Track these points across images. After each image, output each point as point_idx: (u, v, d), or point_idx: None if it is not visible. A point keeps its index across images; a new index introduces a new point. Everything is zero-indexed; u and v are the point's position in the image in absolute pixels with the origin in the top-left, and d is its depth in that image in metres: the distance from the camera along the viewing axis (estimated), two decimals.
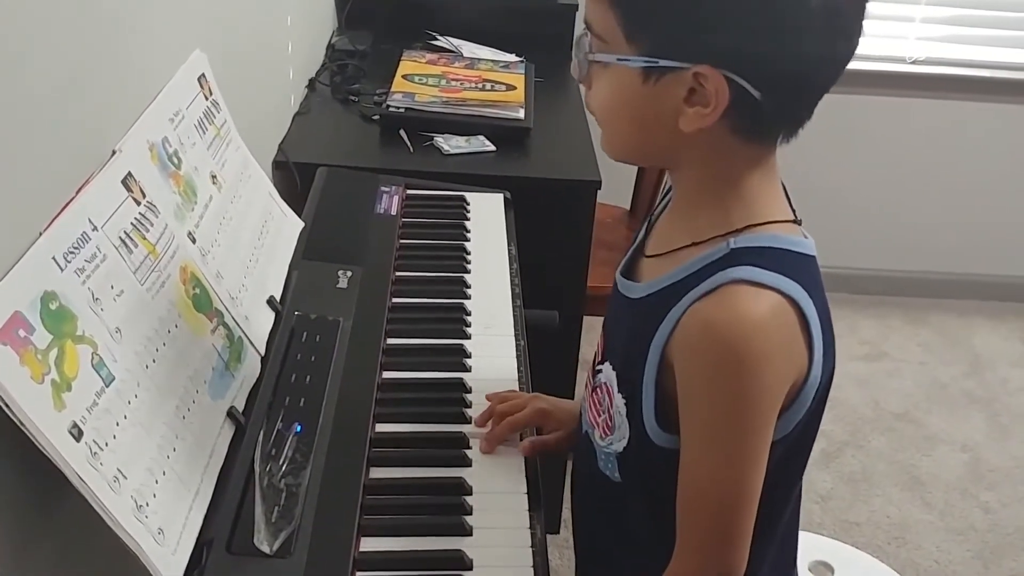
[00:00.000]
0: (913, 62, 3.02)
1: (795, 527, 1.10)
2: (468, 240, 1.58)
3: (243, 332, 1.17)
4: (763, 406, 0.87)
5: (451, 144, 1.93)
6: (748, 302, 0.85)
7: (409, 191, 1.68)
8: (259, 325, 1.23)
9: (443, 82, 2.12)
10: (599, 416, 1.02)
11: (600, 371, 1.02)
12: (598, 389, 1.03)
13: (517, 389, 1.25)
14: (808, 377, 0.90)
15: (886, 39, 3.02)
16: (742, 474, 0.89)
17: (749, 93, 0.83)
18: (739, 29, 0.82)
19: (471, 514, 1.05)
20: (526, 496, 1.08)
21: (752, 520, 0.91)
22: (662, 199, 1.04)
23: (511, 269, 1.52)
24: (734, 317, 0.85)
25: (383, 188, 1.66)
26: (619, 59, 0.88)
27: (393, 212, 1.61)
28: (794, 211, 0.95)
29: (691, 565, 0.95)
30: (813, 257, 0.93)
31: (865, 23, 0.87)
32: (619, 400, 0.98)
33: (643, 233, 1.04)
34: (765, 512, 0.93)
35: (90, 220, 0.94)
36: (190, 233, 1.14)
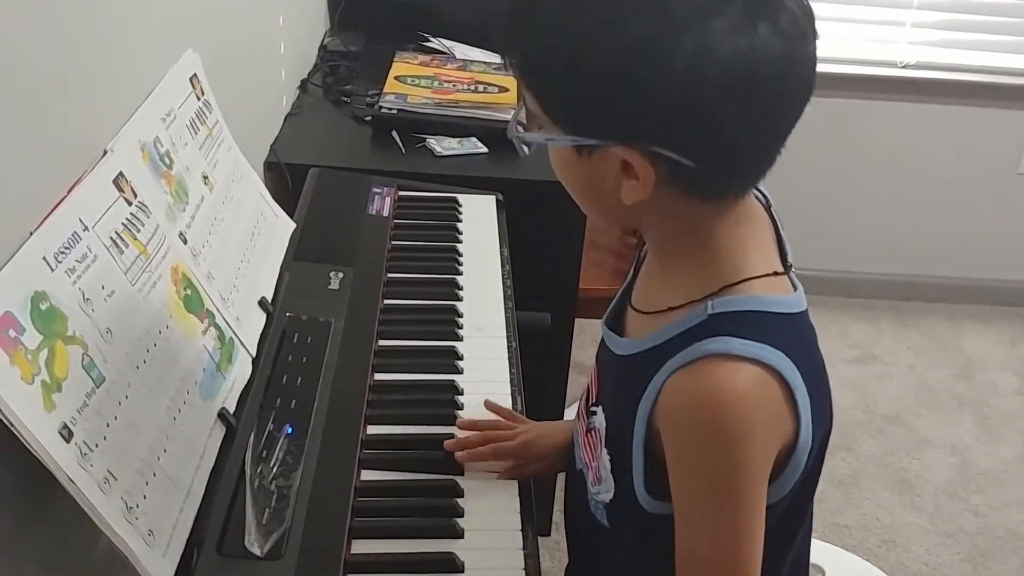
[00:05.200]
0: (904, 66, 3.03)
1: (803, 565, 1.07)
2: (460, 242, 1.58)
3: (234, 333, 1.17)
4: (751, 477, 0.85)
5: (443, 146, 1.93)
6: (727, 376, 0.82)
7: (401, 192, 1.68)
8: (250, 326, 1.23)
9: (435, 84, 2.12)
10: (592, 461, 0.99)
11: (595, 413, 0.99)
12: (592, 432, 1.00)
13: (509, 391, 1.25)
14: (797, 443, 0.87)
15: (877, 43, 3.02)
16: (737, 544, 0.87)
17: (681, 161, 0.79)
18: (648, 107, 0.78)
19: (462, 516, 1.04)
20: (517, 498, 1.08)
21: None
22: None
23: (503, 271, 1.52)
24: (714, 392, 0.82)
25: (375, 189, 1.66)
26: (547, 139, 0.86)
27: (385, 213, 1.61)
28: (784, 254, 0.92)
29: None
30: (800, 313, 0.89)
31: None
32: (605, 457, 0.96)
33: (631, 277, 1.01)
34: (769, 562, 0.91)
35: (81, 220, 0.94)
36: (181, 233, 1.14)
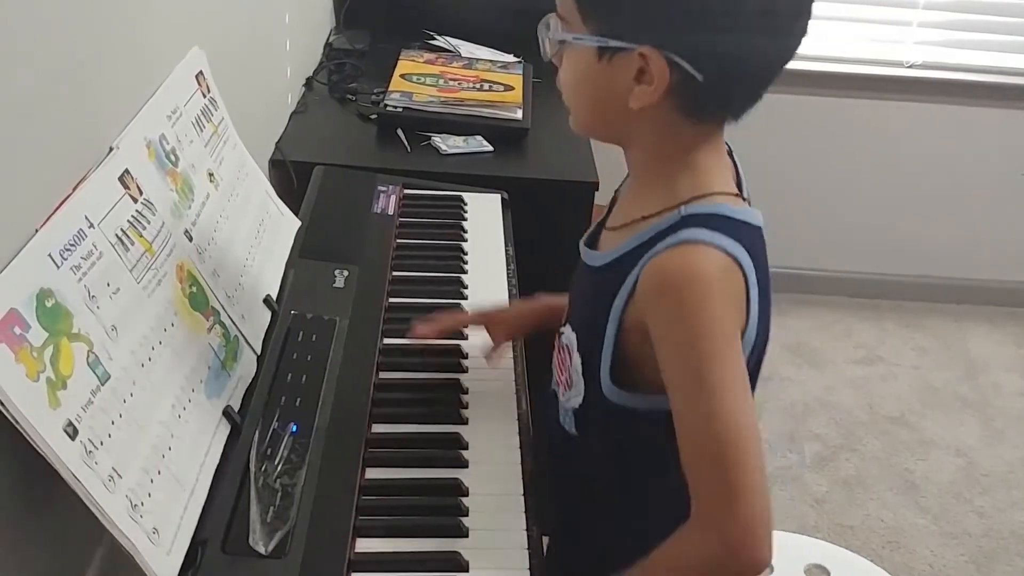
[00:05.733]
0: (910, 66, 3.02)
1: None
2: (465, 240, 1.57)
3: (239, 331, 1.17)
4: (727, 334, 0.91)
5: (449, 144, 1.93)
6: (699, 255, 0.91)
7: (406, 191, 1.67)
8: (255, 324, 1.23)
9: (441, 82, 2.12)
10: (562, 375, 1.08)
11: (563, 333, 1.08)
12: (561, 349, 1.09)
13: (514, 390, 1.25)
14: (745, 333, 0.94)
15: (883, 43, 3.02)
16: (730, 405, 0.89)
17: (692, 75, 0.89)
18: (680, 16, 0.89)
19: (467, 515, 1.04)
20: (522, 497, 1.08)
21: (761, 468, 0.89)
22: (626, 178, 1.10)
23: (508, 269, 1.52)
24: (687, 264, 0.92)
25: (380, 187, 1.66)
26: (575, 38, 0.95)
27: (390, 212, 1.61)
28: (741, 189, 1.00)
29: (702, 527, 0.91)
30: (759, 228, 0.98)
31: (810, 24, 0.92)
32: (577, 359, 1.04)
33: (608, 208, 1.10)
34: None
35: (86, 217, 0.94)
36: (187, 231, 1.14)
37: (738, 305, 0.93)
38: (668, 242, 0.93)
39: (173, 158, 1.16)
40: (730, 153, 1.03)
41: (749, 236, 0.95)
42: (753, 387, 0.99)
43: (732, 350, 0.91)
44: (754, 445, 0.89)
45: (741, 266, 0.93)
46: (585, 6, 0.93)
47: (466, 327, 1.33)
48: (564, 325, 1.09)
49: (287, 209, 1.49)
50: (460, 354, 1.29)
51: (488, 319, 1.31)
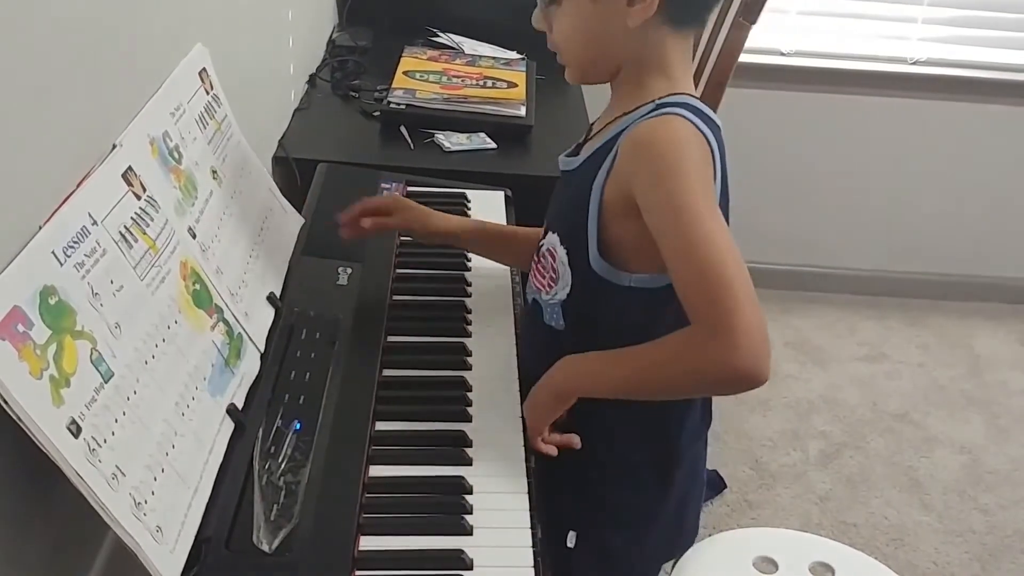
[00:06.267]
0: (915, 63, 3.01)
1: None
2: None
3: (243, 328, 1.17)
4: (704, 177, 1.02)
5: (452, 141, 1.92)
6: (674, 122, 1.04)
7: (410, 188, 1.67)
8: (259, 322, 1.23)
9: (444, 79, 2.11)
10: (543, 278, 1.19)
11: (542, 245, 1.20)
12: (541, 257, 1.21)
13: (518, 388, 1.25)
14: None
15: (888, 40, 3.01)
16: (712, 233, 0.98)
17: None
18: None
19: (471, 513, 1.04)
20: (527, 495, 1.08)
21: (748, 282, 0.97)
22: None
23: (512, 267, 1.51)
24: (663, 127, 1.04)
25: (384, 185, 1.65)
26: None
27: None
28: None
29: (702, 333, 0.98)
30: (719, 127, 1.10)
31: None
32: (562, 253, 1.15)
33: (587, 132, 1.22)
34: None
35: (90, 214, 0.93)
36: (190, 228, 1.13)
37: (709, 169, 1.04)
38: (644, 114, 1.07)
39: (176, 155, 1.16)
40: None
41: (715, 128, 1.07)
42: None
43: (708, 190, 1.01)
44: (738, 264, 0.98)
45: (709, 142, 1.04)
46: None
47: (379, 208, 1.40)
48: (543, 237, 1.20)
49: (290, 206, 1.49)
50: (464, 351, 1.29)
51: (397, 203, 1.41)
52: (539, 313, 1.22)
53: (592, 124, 1.23)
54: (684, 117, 1.04)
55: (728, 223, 1.05)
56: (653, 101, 1.09)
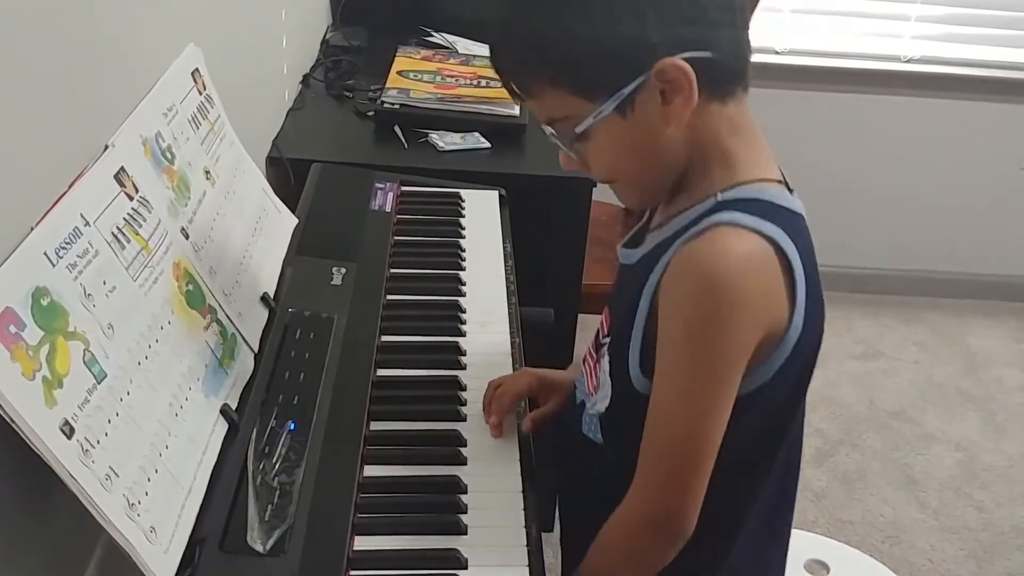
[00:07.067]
0: (908, 61, 3.02)
1: (786, 521, 1.11)
2: (463, 237, 1.57)
3: (236, 329, 1.17)
4: (731, 345, 0.90)
5: (446, 141, 1.92)
6: (730, 240, 0.90)
7: (404, 188, 1.67)
8: (253, 322, 1.22)
9: (438, 78, 2.11)
10: (592, 381, 1.06)
11: (604, 345, 1.05)
12: (591, 357, 1.08)
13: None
14: (789, 326, 0.92)
15: (881, 37, 3.01)
16: (698, 413, 0.91)
17: (702, 57, 0.90)
18: (663, 20, 0.89)
19: (466, 512, 1.04)
20: (521, 495, 1.08)
21: (706, 473, 0.92)
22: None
23: (506, 266, 1.51)
24: (715, 251, 0.89)
25: (378, 184, 1.65)
26: (595, 117, 0.93)
27: (388, 209, 1.60)
28: (784, 178, 0.99)
29: (638, 503, 0.96)
30: (800, 215, 0.96)
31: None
32: (605, 361, 1.02)
33: (649, 214, 1.08)
34: (731, 497, 0.96)
35: (82, 215, 0.93)
36: (183, 229, 1.13)
37: (766, 296, 0.90)
38: (701, 225, 0.92)
39: (169, 156, 1.15)
40: None
41: (792, 223, 0.93)
42: (807, 383, 1.00)
43: (728, 363, 0.90)
44: (710, 454, 0.91)
45: (783, 251, 0.90)
46: (580, 86, 0.92)
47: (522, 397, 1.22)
48: (605, 337, 1.05)
49: (284, 207, 1.48)
50: (459, 351, 1.29)
51: (542, 380, 1.22)
52: (578, 419, 1.09)
53: (652, 213, 1.08)
54: (744, 227, 0.90)
55: (822, 332, 0.97)
56: (715, 195, 0.93)
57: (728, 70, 0.93)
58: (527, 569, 0.98)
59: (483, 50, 2.32)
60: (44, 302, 0.84)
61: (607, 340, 1.04)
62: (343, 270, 1.39)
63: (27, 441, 0.78)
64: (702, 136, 0.94)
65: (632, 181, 1.00)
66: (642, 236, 1.05)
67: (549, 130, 0.98)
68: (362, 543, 0.99)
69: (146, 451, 0.91)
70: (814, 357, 0.99)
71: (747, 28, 0.95)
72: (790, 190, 0.98)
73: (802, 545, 1.53)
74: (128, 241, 0.99)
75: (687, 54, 0.89)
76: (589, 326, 2.24)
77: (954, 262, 3.28)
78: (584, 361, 1.10)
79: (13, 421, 0.77)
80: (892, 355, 3.01)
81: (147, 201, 1.06)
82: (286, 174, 1.79)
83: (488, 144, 1.94)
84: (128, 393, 0.91)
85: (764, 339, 0.91)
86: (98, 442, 0.84)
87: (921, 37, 3.03)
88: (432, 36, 2.41)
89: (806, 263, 0.93)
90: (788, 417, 1.03)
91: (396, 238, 1.53)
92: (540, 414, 1.19)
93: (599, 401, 1.04)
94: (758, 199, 0.93)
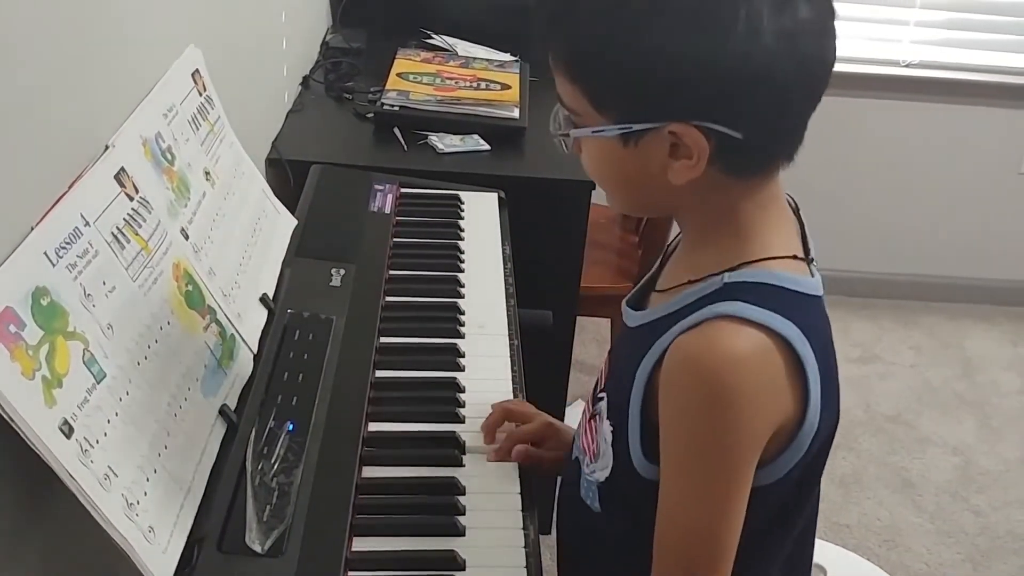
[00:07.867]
0: (907, 65, 3.03)
1: (800, 568, 1.06)
2: (462, 239, 1.57)
3: (236, 329, 1.17)
4: (740, 447, 0.84)
5: (445, 143, 1.92)
6: (729, 338, 0.83)
7: (403, 189, 1.67)
8: (252, 323, 1.23)
9: (438, 81, 2.11)
10: (591, 444, 1.00)
11: (601, 399, 0.99)
12: (595, 417, 1.00)
13: (511, 389, 1.25)
14: (804, 422, 0.86)
15: (880, 42, 3.02)
16: (712, 513, 0.86)
17: (731, 135, 0.81)
18: (701, 82, 0.80)
19: (464, 514, 1.04)
20: (519, 496, 1.08)
21: (725, 566, 0.87)
22: (679, 234, 1.01)
23: (505, 269, 1.52)
24: (712, 352, 0.83)
25: (377, 186, 1.66)
26: (594, 131, 0.86)
27: (387, 210, 1.60)
28: (807, 247, 0.93)
29: None
30: (815, 297, 0.90)
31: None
32: (606, 428, 0.96)
33: (657, 266, 1.02)
34: (758, 555, 0.92)
35: (82, 215, 0.93)
36: (183, 229, 1.13)
37: (772, 396, 0.84)
38: (700, 316, 0.85)
39: (169, 156, 1.16)
40: (796, 210, 0.95)
41: (803, 308, 0.86)
42: (821, 467, 0.96)
43: (736, 463, 0.85)
44: (727, 548, 0.87)
45: (790, 344, 0.84)
46: (597, 96, 0.85)
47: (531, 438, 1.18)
48: (602, 391, 0.99)
49: (283, 208, 1.49)
50: (457, 353, 1.29)
51: (552, 428, 1.18)
52: (577, 480, 1.02)
53: (667, 252, 1.02)
54: (748, 322, 0.83)
55: (838, 416, 0.94)
56: (723, 275, 0.86)
57: (760, 153, 0.85)
58: (525, 570, 0.99)
59: (483, 52, 2.33)
60: (44, 302, 0.84)
61: (603, 396, 0.98)
62: (342, 271, 1.39)
63: (26, 441, 0.78)
64: (714, 206, 0.88)
65: (615, 196, 0.94)
66: (646, 297, 0.99)
67: (556, 107, 0.92)
68: (360, 544, 0.99)
69: (145, 451, 0.91)
70: (831, 439, 0.94)
71: (805, 120, 0.86)
72: (810, 260, 0.91)
73: None
74: (128, 241, 1.00)
75: (712, 126, 0.81)
76: (587, 329, 2.25)
77: (951, 266, 3.29)
78: (584, 410, 1.05)
79: (13, 421, 0.77)
80: (889, 359, 3.02)
81: (147, 201, 1.06)
82: (285, 175, 1.79)
83: (487, 146, 1.94)
84: (127, 393, 0.91)
85: (776, 432, 0.86)
86: (97, 442, 0.85)
87: (920, 42, 3.03)
88: (432, 38, 2.41)
89: (819, 352, 0.86)
90: (796, 509, 0.98)
91: (395, 240, 1.53)
92: (537, 456, 1.14)
93: (599, 470, 0.97)
94: (768, 284, 0.86)
